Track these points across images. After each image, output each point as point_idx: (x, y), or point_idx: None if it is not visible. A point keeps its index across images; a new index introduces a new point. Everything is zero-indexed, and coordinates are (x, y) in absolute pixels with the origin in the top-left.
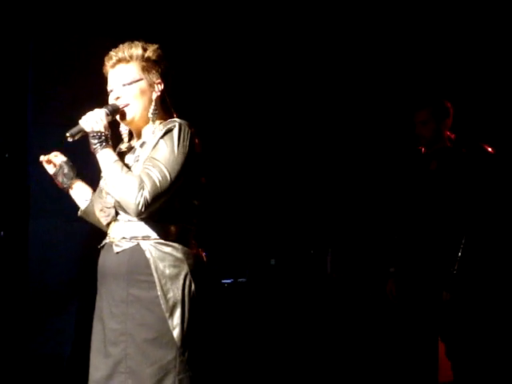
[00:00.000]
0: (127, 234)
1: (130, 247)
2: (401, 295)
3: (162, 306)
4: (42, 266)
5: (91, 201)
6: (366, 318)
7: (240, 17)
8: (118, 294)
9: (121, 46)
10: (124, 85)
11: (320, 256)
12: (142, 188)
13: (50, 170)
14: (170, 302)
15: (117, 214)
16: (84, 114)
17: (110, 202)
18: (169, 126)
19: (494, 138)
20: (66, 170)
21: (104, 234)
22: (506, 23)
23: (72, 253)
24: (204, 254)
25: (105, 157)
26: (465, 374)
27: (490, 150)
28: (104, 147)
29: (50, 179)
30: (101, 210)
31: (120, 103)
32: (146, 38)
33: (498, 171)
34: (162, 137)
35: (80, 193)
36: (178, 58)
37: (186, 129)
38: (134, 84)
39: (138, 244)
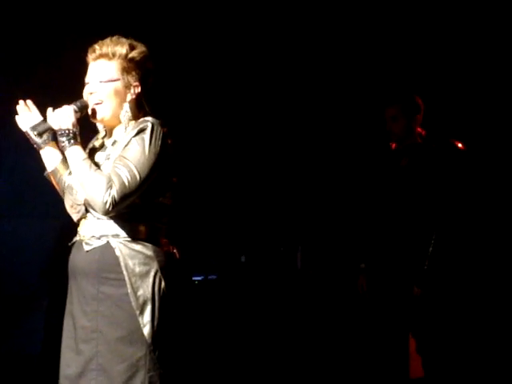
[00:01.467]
0: (97, 232)
1: (100, 245)
2: (371, 291)
3: (132, 304)
4: (11, 264)
5: (56, 168)
6: (337, 314)
7: (236, 15)
8: (89, 291)
9: (107, 39)
10: (101, 82)
11: (290, 252)
12: (110, 187)
13: (24, 121)
14: (140, 300)
15: (87, 211)
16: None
17: (80, 199)
18: (141, 126)
19: (464, 134)
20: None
21: (74, 232)
22: (477, 18)
23: (42, 251)
24: (176, 251)
25: (73, 154)
26: (435, 370)
27: (460, 145)
28: (72, 144)
29: (18, 177)
30: (71, 207)
31: (92, 99)
32: (136, 36)
33: (468, 167)
34: (135, 136)
35: (50, 156)
36: (174, 56)
37: (159, 129)
38: (110, 83)
39: (108, 242)
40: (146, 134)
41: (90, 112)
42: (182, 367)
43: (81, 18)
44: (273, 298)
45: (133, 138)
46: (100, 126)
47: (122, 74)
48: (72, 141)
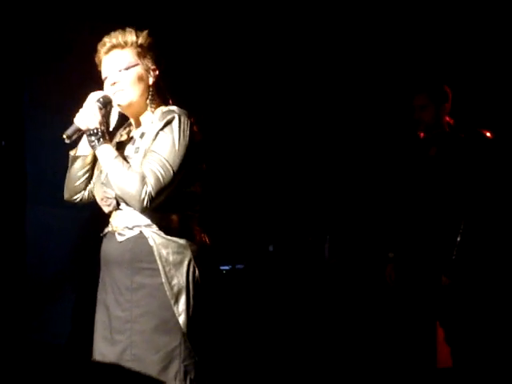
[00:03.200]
0: (130, 223)
1: (133, 236)
2: (400, 280)
3: (167, 293)
4: (39, 253)
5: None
6: (365, 303)
7: (239, 11)
8: (123, 281)
9: (113, 32)
10: (120, 70)
11: (318, 242)
12: (144, 184)
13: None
14: (175, 289)
15: (118, 204)
16: (78, 102)
17: (111, 193)
18: (168, 118)
19: (492, 123)
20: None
21: (105, 222)
22: (505, 9)
23: (70, 239)
24: (207, 240)
25: (104, 153)
26: (464, 360)
27: (488, 135)
28: (102, 143)
29: (46, 165)
30: (102, 199)
31: (115, 89)
32: (141, 26)
33: (496, 156)
34: (162, 129)
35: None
36: (178, 47)
37: (186, 119)
38: (131, 69)
39: (141, 232)
40: (174, 126)
41: (115, 103)
42: (216, 356)
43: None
44: (300, 288)
45: (161, 131)
46: (113, 121)
47: (140, 59)
48: (101, 139)
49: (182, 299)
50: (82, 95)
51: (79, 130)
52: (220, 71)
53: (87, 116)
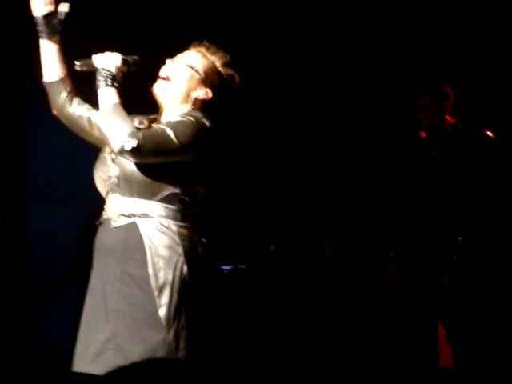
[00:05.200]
0: (125, 210)
1: (127, 223)
2: (401, 280)
3: (152, 284)
4: (42, 252)
5: (60, 79)
6: (366, 303)
7: (239, 11)
8: (112, 270)
9: (215, 47)
10: (187, 65)
11: (319, 241)
12: (138, 131)
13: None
14: (160, 281)
15: (118, 185)
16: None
17: (114, 171)
18: (192, 112)
19: (494, 123)
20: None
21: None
22: (506, 8)
23: (73, 238)
24: (198, 240)
25: (107, 95)
26: (465, 359)
27: (490, 134)
28: (108, 86)
29: (48, 164)
30: (101, 178)
31: (164, 70)
32: (146, 33)
33: (498, 156)
34: (182, 116)
35: (53, 57)
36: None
37: (209, 121)
38: (191, 69)
39: (135, 222)
40: (195, 116)
41: (154, 89)
42: (202, 355)
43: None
44: (302, 287)
45: (179, 117)
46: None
47: (205, 73)
48: (109, 82)
49: (166, 292)
50: (85, 92)
51: (93, 65)
52: None
53: (107, 58)
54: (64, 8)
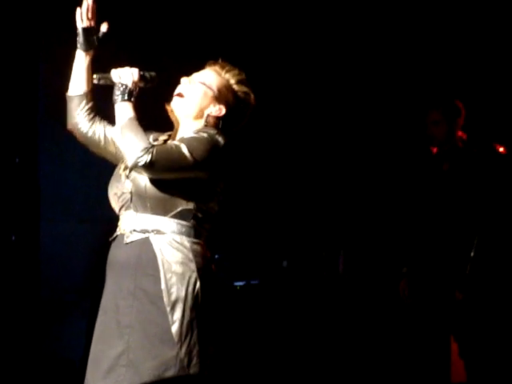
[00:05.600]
0: (138, 226)
1: (140, 239)
2: (413, 295)
3: (164, 300)
4: (53, 268)
5: (84, 94)
6: (379, 318)
7: (238, 11)
8: (126, 286)
9: (230, 65)
10: (199, 81)
11: (332, 257)
12: (151, 146)
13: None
14: (173, 297)
15: (131, 201)
16: None
17: (128, 187)
18: (205, 129)
19: (505, 138)
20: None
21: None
22: None
23: (84, 254)
24: (211, 257)
25: (123, 109)
26: (478, 374)
27: (501, 150)
28: (124, 100)
29: (60, 180)
30: (115, 194)
31: (179, 88)
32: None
33: (509, 171)
34: (197, 132)
35: (84, 70)
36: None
37: (223, 138)
38: (205, 87)
39: (148, 238)
40: (209, 133)
41: (172, 105)
42: (215, 371)
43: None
44: (315, 303)
45: (193, 133)
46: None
47: (219, 90)
48: (125, 96)
49: (179, 308)
50: (97, 107)
51: (111, 79)
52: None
53: (125, 72)
54: (103, 28)
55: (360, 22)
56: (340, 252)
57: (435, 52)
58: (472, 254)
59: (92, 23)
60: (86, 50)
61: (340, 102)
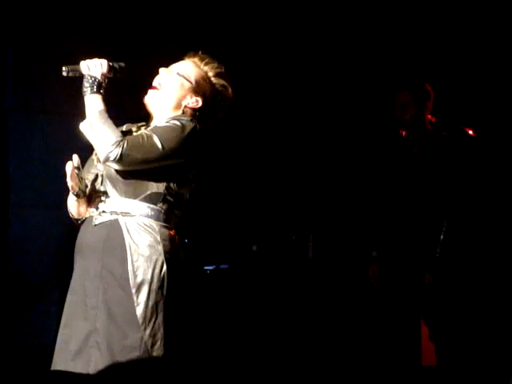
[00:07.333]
0: (108, 208)
1: (109, 221)
2: (383, 279)
3: (130, 281)
4: (23, 254)
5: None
6: (349, 302)
7: (238, 11)
8: (93, 267)
9: (208, 56)
10: (178, 73)
11: (302, 241)
12: (123, 139)
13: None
14: (138, 279)
15: (101, 184)
16: (61, 104)
17: (99, 171)
18: (178, 117)
19: (474, 121)
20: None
21: None
22: (487, 7)
23: (54, 240)
24: (182, 242)
25: (92, 102)
26: (448, 358)
27: (470, 133)
28: (93, 93)
29: (29, 167)
30: (87, 178)
31: (157, 79)
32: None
33: (478, 154)
34: (168, 121)
35: (80, 205)
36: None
37: (195, 124)
38: (183, 79)
39: (117, 219)
40: (181, 121)
41: (146, 99)
42: (180, 355)
43: None
44: (284, 287)
45: (165, 122)
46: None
47: (197, 82)
48: (95, 89)
49: (144, 290)
50: (65, 96)
51: (79, 71)
52: None
53: (93, 64)
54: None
55: (330, 8)
56: (309, 236)
57: (403, 34)
58: (442, 237)
59: (77, 187)
60: (78, 197)
61: (310, 85)
